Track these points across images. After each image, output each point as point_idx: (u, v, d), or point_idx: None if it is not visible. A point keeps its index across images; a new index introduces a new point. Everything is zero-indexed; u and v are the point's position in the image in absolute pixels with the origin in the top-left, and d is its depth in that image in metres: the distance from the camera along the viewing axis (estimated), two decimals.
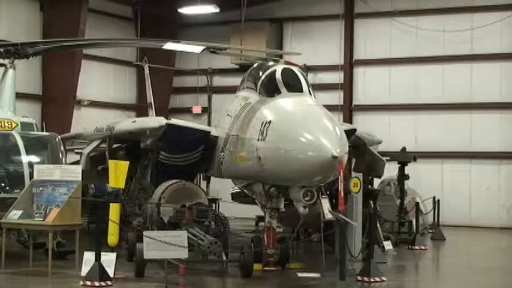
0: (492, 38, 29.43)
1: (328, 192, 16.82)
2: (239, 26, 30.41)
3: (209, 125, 29.99)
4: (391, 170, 24.06)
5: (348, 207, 16.42)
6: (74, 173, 15.38)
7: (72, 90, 29.51)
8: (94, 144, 22.01)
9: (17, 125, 17.85)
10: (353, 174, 19.16)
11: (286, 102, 15.14)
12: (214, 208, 22.82)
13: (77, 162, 21.69)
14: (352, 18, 31.86)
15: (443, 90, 30.18)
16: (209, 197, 21.79)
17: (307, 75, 24.92)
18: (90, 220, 21.76)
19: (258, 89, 16.33)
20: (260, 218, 25.62)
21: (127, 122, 21.86)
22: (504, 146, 29.28)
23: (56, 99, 29.14)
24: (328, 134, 13.86)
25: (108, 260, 13.98)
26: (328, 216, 15.38)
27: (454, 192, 29.35)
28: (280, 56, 27.34)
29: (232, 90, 19.90)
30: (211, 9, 31.89)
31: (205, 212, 16.71)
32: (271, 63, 16.91)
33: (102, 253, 13.67)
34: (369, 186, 21.39)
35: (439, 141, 29.93)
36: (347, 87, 31.72)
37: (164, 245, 13.26)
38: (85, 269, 13.89)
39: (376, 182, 23.97)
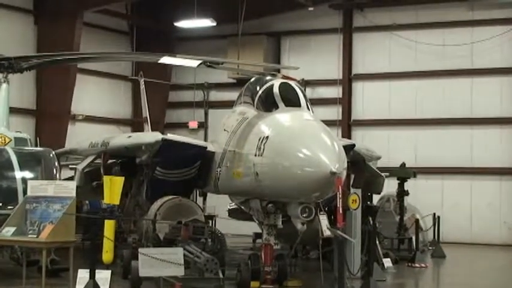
0: (492, 52, 29.54)
1: (326, 209, 16.80)
2: (236, 40, 30.51)
3: (206, 140, 29.94)
4: (390, 186, 24.07)
5: (346, 223, 16.40)
6: (68, 189, 15.35)
7: (66, 104, 29.53)
8: (89, 159, 21.97)
9: (11, 140, 17.86)
10: (352, 190, 19.14)
11: (283, 117, 15.15)
12: (210, 225, 22.81)
13: (71, 178, 21.67)
14: (351, 32, 31.97)
15: (443, 105, 30.24)
16: (205, 214, 21.74)
17: (305, 89, 24.99)
18: (85, 237, 21.71)
19: (255, 103, 16.34)
20: (257, 235, 25.53)
21: (122, 137, 21.83)
22: (505, 161, 29.33)
23: (50, 114, 29.15)
24: (327, 149, 13.87)
25: (103, 277, 13.94)
26: (327, 233, 15.37)
27: (455, 209, 29.34)
28: (278, 71, 27.24)
29: (229, 105, 19.91)
30: (208, 22, 31.96)
31: (202, 228, 16.69)
32: (268, 77, 16.90)
33: (96, 271, 13.64)
34: (368, 203, 21.39)
35: (439, 156, 29.96)
36: (345, 102, 31.78)
37: (160, 263, 13.24)
38: (79, 287, 13.84)
39: (376, 198, 23.95)
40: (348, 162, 14.88)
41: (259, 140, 14.78)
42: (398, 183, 23.80)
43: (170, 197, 17.98)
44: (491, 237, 28.98)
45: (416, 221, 22.97)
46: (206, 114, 33.94)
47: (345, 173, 14.17)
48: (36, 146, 19.29)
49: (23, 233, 15.30)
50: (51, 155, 17.94)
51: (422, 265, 21.62)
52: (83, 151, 22.72)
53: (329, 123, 20.89)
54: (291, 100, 15.56)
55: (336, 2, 31.81)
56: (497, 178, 29.41)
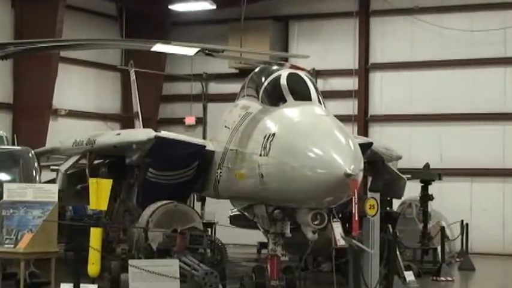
0: None
1: (340, 215, 16.81)
2: (239, 25, 30.46)
3: (204, 138, 30.01)
4: (412, 189, 24.06)
5: (363, 232, 16.40)
6: (50, 193, 15.38)
7: (47, 98, 29.56)
8: (72, 160, 22.01)
9: None
10: (369, 194, 19.13)
11: (292, 112, 15.16)
12: (210, 233, 22.83)
13: (53, 181, 21.70)
14: (368, 16, 31.97)
15: (472, 98, 30.20)
16: (204, 221, 21.77)
17: (316, 81, 24.98)
18: (68, 247, 21.74)
19: (260, 97, 16.36)
20: (262, 245, 25.60)
21: (110, 135, 21.86)
22: None
23: (29, 109, 29.17)
24: (341, 148, 13.87)
25: None
26: (341, 242, 15.37)
27: (485, 216, 29.32)
28: (286, 59, 27.34)
29: (230, 98, 19.93)
30: (206, 5, 31.98)
31: (200, 237, 16.68)
32: (275, 67, 16.94)
33: (81, 285, 13.65)
34: (387, 208, 21.40)
35: (467, 156, 29.93)
36: (362, 94, 31.78)
37: (152, 276, 13.25)
38: None
39: (396, 204, 23.96)
40: (364, 162, 14.88)
41: (265, 137, 14.80)
42: (422, 187, 23.80)
43: (164, 202, 17.98)
44: None
45: (442, 229, 22.96)
46: (205, 108, 33.95)
47: (361, 175, 14.17)
48: (13, 144, 19.30)
49: None
50: (30, 155, 17.96)
51: (449, 279, 21.61)
52: (66, 150, 22.74)
53: (343, 118, 20.91)
54: (301, 93, 15.58)
55: None
56: None
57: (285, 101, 15.56)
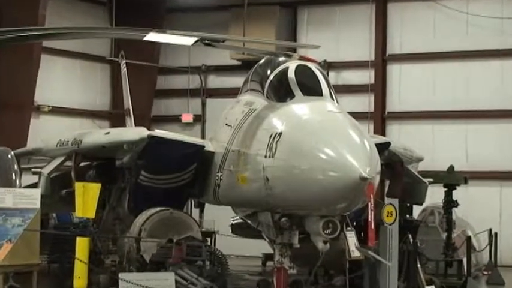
0: None
1: (354, 224, 16.82)
2: (241, 12, 30.50)
3: (203, 137, 30.04)
4: (435, 194, 24.07)
5: (380, 242, 16.41)
6: (31, 198, 15.41)
7: (28, 93, 29.61)
8: (56, 161, 22.02)
9: None
10: (386, 200, 19.15)
11: (301, 108, 15.17)
12: (209, 244, 22.84)
13: (34, 185, 21.72)
14: (386, 2, 31.97)
15: (501, 93, 30.22)
16: (203, 230, 21.78)
17: (328, 74, 25.01)
18: (51, 259, 21.76)
19: (265, 91, 16.39)
20: (268, 256, 25.59)
21: (98, 134, 21.88)
22: None
23: (7, 105, 29.23)
24: (355, 148, 13.88)
25: None
26: (355, 253, 15.37)
27: None
28: (294, 50, 27.39)
29: (232, 93, 19.96)
30: None
31: (198, 248, 16.72)
32: (282, 58, 16.95)
33: None
34: (407, 216, 21.39)
35: (496, 158, 29.94)
36: (378, 89, 31.79)
37: None
38: None
39: (417, 211, 23.95)
40: (381, 165, 14.89)
41: (271, 137, 14.81)
42: (445, 192, 23.76)
43: (158, 208, 18.02)
44: None
45: (468, 238, 22.93)
46: (204, 104, 34.03)
47: (378, 179, 14.19)
48: None
49: None
50: (9, 156, 18.02)
51: None
52: (49, 151, 22.77)
53: (358, 115, 20.90)
54: (310, 87, 15.60)
55: None
56: None
57: (293, 96, 15.57)
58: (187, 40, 18.97)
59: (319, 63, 20.05)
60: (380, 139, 20.88)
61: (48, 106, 31.53)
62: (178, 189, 19.23)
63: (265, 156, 14.78)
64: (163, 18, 34.05)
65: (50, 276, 20.55)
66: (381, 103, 31.81)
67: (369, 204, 13.96)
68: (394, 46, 32.00)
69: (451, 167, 24.30)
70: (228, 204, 18.56)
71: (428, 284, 20.34)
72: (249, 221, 18.14)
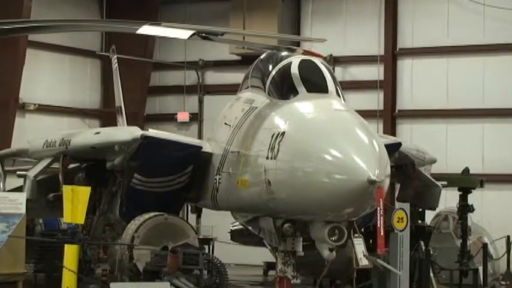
0: None
1: (363, 230, 16.83)
2: (242, 3, 30.53)
3: (200, 137, 30.05)
4: (449, 199, 24.07)
5: (390, 250, 16.41)
6: (16, 203, 15.42)
7: (13, 90, 29.62)
8: (43, 163, 22.03)
9: None
10: (397, 205, 19.18)
11: (305, 106, 15.18)
12: (206, 251, 22.86)
13: (19, 189, 21.73)
14: None
15: None
16: (200, 236, 21.79)
17: (334, 69, 24.99)
18: (38, 267, 21.78)
19: (266, 88, 16.39)
20: (270, 265, 25.62)
21: (88, 134, 21.91)
22: None
23: None
24: (363, 150, 13.88)
25: None
26: (363, 262, 15.39)
27: None
28: (298, 44, 27.40)
29: (231, 90, 19.95)
30: None
31: (195, 256, 16.73)
32: (285, 53, 16.96)
33: None
34: (419, 222, 21.40)
35: None
36: (388, 86, 31.79)
37: None
38: None
39: (429, 216, 23.95)
40: (391, 167, 14.89)
41: (273, 137, 14.82)
42: (460, 196, 23.76)
43: (152, 214, 18.04)
44: None
45: (484, 246, 22.95)
46: (201, 102, 34.04)
47: (387, 182, 14.19)
48: None
49: None
50: None
51: None
52: (36, 152, 22.79)
53: (366, 114, 20.88)
54: (315, 83, 15.61)
55: None
56: None
57: (296, 93, 15.58)
58: (183, 33, 18.94)
59: (324, 58, 20.09)
60: (390, 139, 20.93)
61: (34, 104, 31.53)
62: (173, 193, 19.26)
63: (267, 158, 14.78)
64: (158, 10, 34.07)
65: (36, 286, 20.57)
66: (390, 101, 31.79)
67: (378, 209, 13.95)
68: (405, 39, 31.99)
69: (466, 169, 24.30)
70: (227, 209, 18.56)
71: None
72: (249, 227, 18.14)
